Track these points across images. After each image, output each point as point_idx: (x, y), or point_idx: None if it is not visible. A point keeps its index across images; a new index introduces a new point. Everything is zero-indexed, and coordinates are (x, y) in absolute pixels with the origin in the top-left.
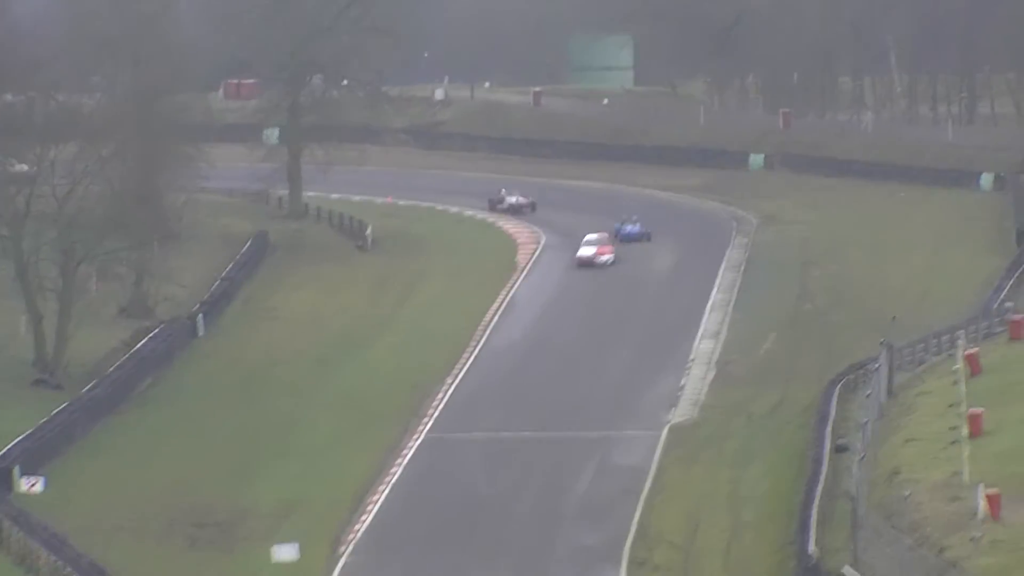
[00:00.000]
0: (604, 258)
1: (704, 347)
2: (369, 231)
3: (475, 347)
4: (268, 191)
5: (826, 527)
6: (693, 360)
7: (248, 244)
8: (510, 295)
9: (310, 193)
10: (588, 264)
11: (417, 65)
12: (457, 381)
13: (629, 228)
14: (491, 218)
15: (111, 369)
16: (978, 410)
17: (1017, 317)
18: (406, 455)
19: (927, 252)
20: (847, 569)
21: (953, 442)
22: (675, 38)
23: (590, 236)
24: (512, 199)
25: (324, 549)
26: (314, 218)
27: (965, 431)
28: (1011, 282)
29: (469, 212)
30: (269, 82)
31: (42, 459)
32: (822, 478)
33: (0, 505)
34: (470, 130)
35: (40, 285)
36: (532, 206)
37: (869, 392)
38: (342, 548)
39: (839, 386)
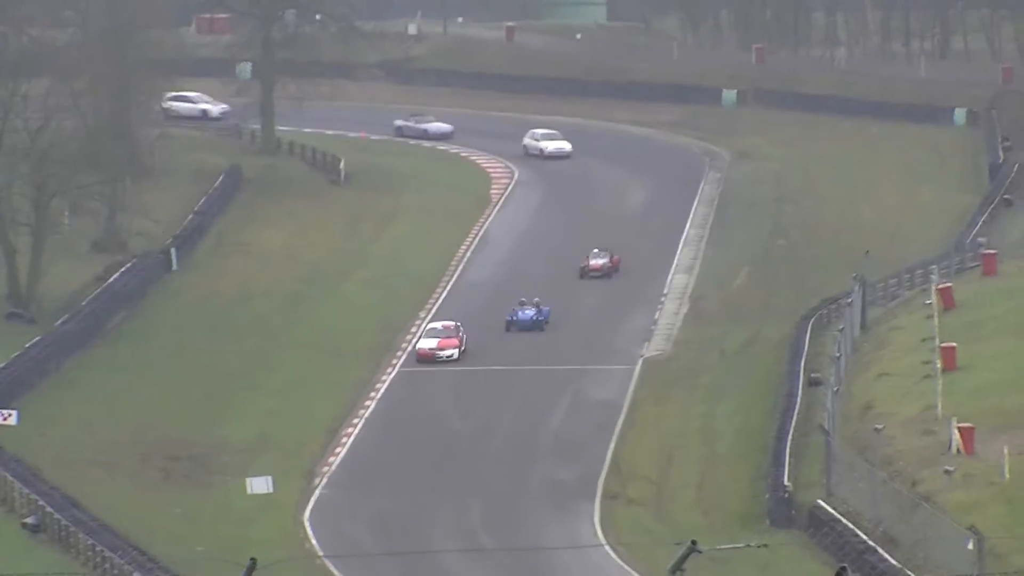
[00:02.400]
0: (447, 352)
1: (677, 282)
2: (342, 166)
3: (448, 282)
4: (241, 126)
5: (799, 461)
6: (666, 295)
7: (221, 179)
8: (483, 230)
9: (283, 128)
10: (428, 359)
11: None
12: (430, 316)
13: (523, 314)
14: (464, 152)
15: (84, 303)
16: (951, 344)
17: (990, 252)
18: (379, 389)
19: (900, 188)
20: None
21: (926, 376)
22: None
23: (434, 325)
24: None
25: (298, 482)
26: (287, 153)
27: (938, 365)
28: (984, 217)
29: (442, 146)
30: (242, 17)
31: (15, 393)
32: (796, 412)
33: None
34: (443, 65)
35: (13, 219)
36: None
37: (842, 327)
38: (316, 481)
39: (812, 321)
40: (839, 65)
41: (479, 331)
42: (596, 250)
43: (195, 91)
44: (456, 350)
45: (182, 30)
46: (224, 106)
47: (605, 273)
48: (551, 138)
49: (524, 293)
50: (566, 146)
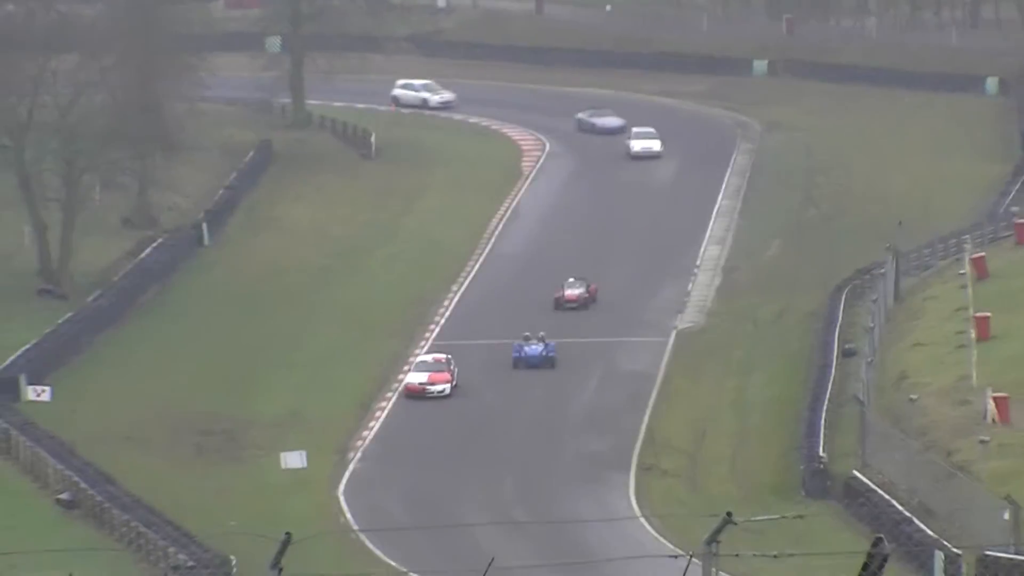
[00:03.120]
0: (438, 388)
1: (710, 253)
2: (373, 139)
3: (480, 255)
4: (271, 100)
5: (834, 432)
6: (699, 266)
7: (251, 153)
8: (515, 203)
9: (313, 102)
10: (417, 394)
11: None
12: (462, 290)
13: (531, 350)
14: (495, 125)
15: (116, 279)
16: (985, 314)
17: (1023, 221)
18: (412, 363)
19: (932, 157)
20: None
21: (960, 346)
22: None
23: (424, 357)
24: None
25: (332, 457)
26: (317, 127)
27: (972, 335)
28: (1017, 186)
29: (473, 119)
30: None
31: (48, 369)
32: (830, 383)
33: (7, 414)
34: (472, 38)
35: (43, 195)
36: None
37: (876, 297)
38: (350, 456)
39: (845, 291)
40: (869, 35)
41: (512, 306)
42: (571, 279)
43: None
44: (447, 385)
45: (211, 4)
46: (447, 95)
47: (582, 304)
48: (641, 136)
49: (555, 266)
50: (655, 145)
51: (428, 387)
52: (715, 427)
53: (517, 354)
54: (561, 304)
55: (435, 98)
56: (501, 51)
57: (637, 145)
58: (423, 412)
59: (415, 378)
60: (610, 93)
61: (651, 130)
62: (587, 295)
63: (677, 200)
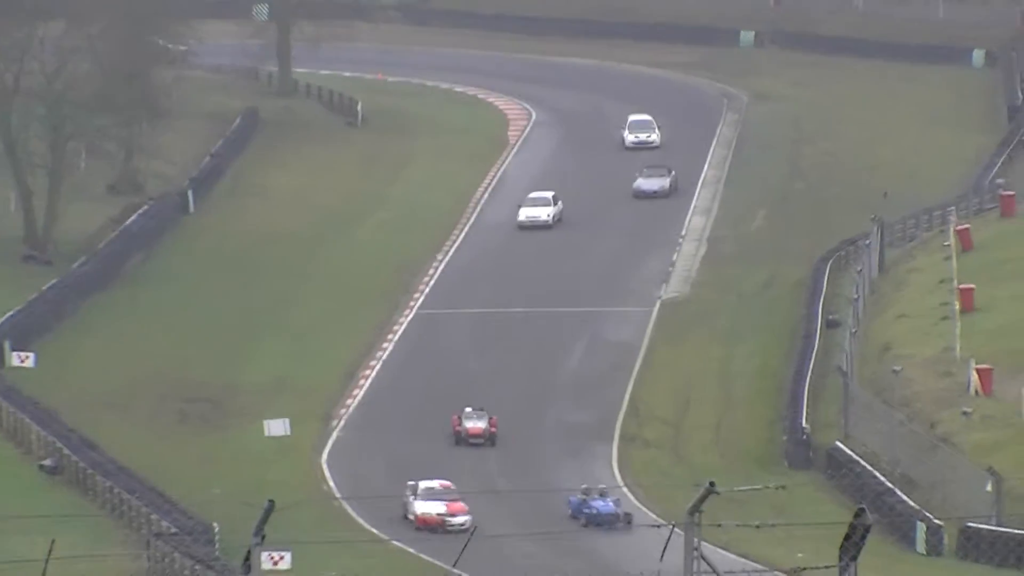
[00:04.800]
0: (460, 519)
1: (695, 223)
2: (359, 107)
3: (465, 224)
4: (257, 68)
5: (817, 402)
6: (684, 236)
7: (237, 121)
8: (500, 172)
9: (300, 70)
10: (435, 527)
11: None
12: (447, 258)
13: (600, 506)
14: (481, 94)
15: (101, 245)
16: (969, 286)
17: (1008, 193)
18: (396, 332)
19: (918, 129)
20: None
21: (944, 318)
22: None
23: (428, 484)
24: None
25: (315, 425)
26: (304, 95)
27: (956, 307)
28: (1002, 159)
29: (459, 88)
30: None
31: (32, 335)
32: (813, 354)
33: None
34: (460, 6)
35: (29, 161)
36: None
37: (860, 268)
38: (333, 423)
39: (830, 262)
40: (856, 6)
41: (496, 276)
42: (469, 409)
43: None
44: (468, 517)
45: None
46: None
47: (487, 439)
48: (638, 127)
49: (541, 234)
50: (652, 136)
51: (449, 519)
52: (699, 397)
53: (580, 510)
54: (463, 440)
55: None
56: (488, 20)
57: (632, 137)
58: (407, 381)
59: (429, 508)
60: (596, 63)
61: (648, 119)
62: (490, 428)
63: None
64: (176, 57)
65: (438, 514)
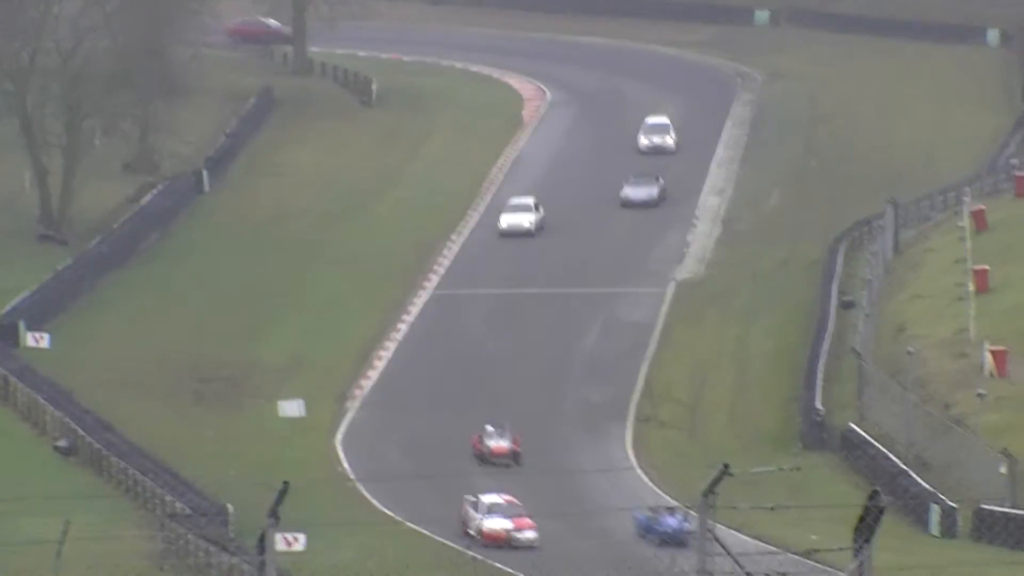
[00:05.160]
0: (528, 535)
1: (710, 203)
2: (375, 87)
3: (481, 203)
4: (273, 47)
5: (832, 383)
6: (699, 217)
7: (253, 100)
8: (516, 151)
9: (315, 49)
10: (501, 543)
11: None
12: (464, 238)
13: (670, 522)
14: (497, 73)
15: (116, 225)
16: (984, 267)
17: (1023, 174)
18: (412, 312)
19: (933, 109)
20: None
21: (959, 298)
22: None
23: (492, 498)
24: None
25: (331, 405)
26: (319, 74)
27: (971, 287)
28: (1017, 138)
29: (475, 68)
30: None
31: (48, 314)
32: (828, 334)
33: (6, 360)
34: None
35: (45, 140)
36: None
37: (875, 249)
38: (348, 403)
39: (845, 243)
40: None
41: (511, 256)
42: (490, 427)
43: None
44: (535, 533)
45: None
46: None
47: (511, 458)
48: (653, 130)
49: (557, 214)
50: (668, 140)
51: (516, 535)
52: (714, 378)
53: (651, 528)
54: (487, 460)
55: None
56: None
57: (645, 140)
58: (423, 361)
59: (495, 524)
60: (612, 42)
61: (664, 122)
62: (514, 447)
63: (677, 150)
64: (193, 36)
65: (505, 530)
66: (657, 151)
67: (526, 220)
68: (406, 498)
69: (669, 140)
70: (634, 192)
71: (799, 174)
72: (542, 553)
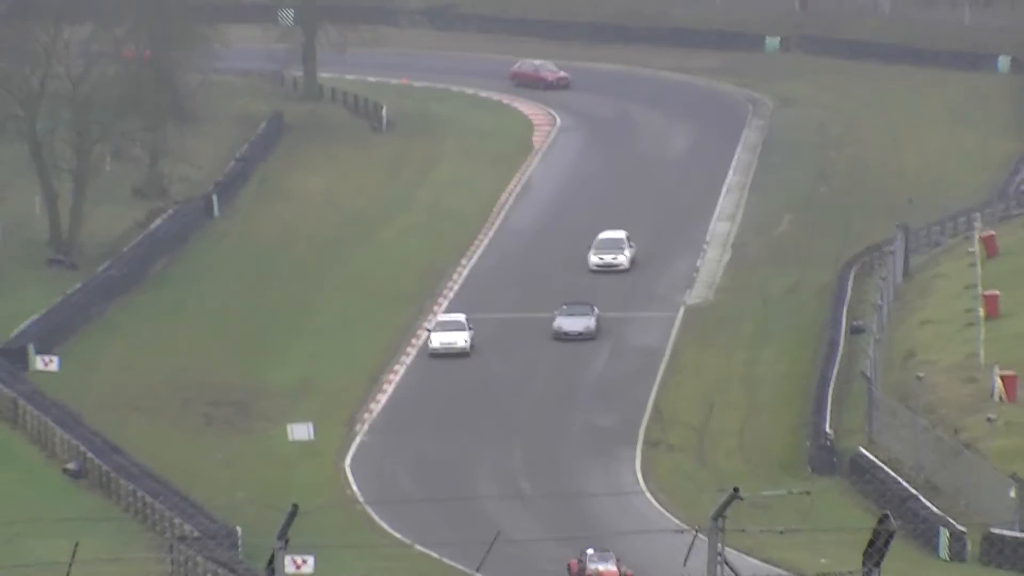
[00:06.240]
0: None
1: (720, 229)
2: (384, 112)
3: (491, 228)
4: (283, 72)
5: (841, 408)
6: (709, 242)
7: (263, 125)
8: (526, 176)
9: (325, 74)
10: None
11: None
12: (472, 262)
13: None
14: (506, 99)
15: (126, 249)
16: (994, 292)
17: None
18: (421, 336)
19: (944, 135)
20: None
21: (969, 324)
22: None
23: (600, 560)
24: None
25: (340, 429)
26: (329, 99)
27: (981, 313)
28: None
29: (484, 93)
30: None
31: (57, 338)
32: (838, 359)
33: (15, 383)
34: (485, 11)
35: (55, 165)
36: None
37: (885, 274)
38: (357, 427)
39: (855, 268)
40: (882, 11)
41: (522, 277)
42: (591, 551)
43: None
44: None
45: None
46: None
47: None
48: (604, 247)
49: (566, 239)
50: (620, 257)
51: None
52: (723, 402)
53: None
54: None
55: (594, 259)
56: (514, 24)
57: (596, 258)
58: (432, 384)
59: (598, 565)
60: (622, 68)
61: (619, 237)
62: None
63: (687, 176)
64: (202, 61)
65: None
66: (608, 270)
67: (460, 339)
68: (415, 521)
69: (622, 258)
70: (568, 323)
71: (809, 199)
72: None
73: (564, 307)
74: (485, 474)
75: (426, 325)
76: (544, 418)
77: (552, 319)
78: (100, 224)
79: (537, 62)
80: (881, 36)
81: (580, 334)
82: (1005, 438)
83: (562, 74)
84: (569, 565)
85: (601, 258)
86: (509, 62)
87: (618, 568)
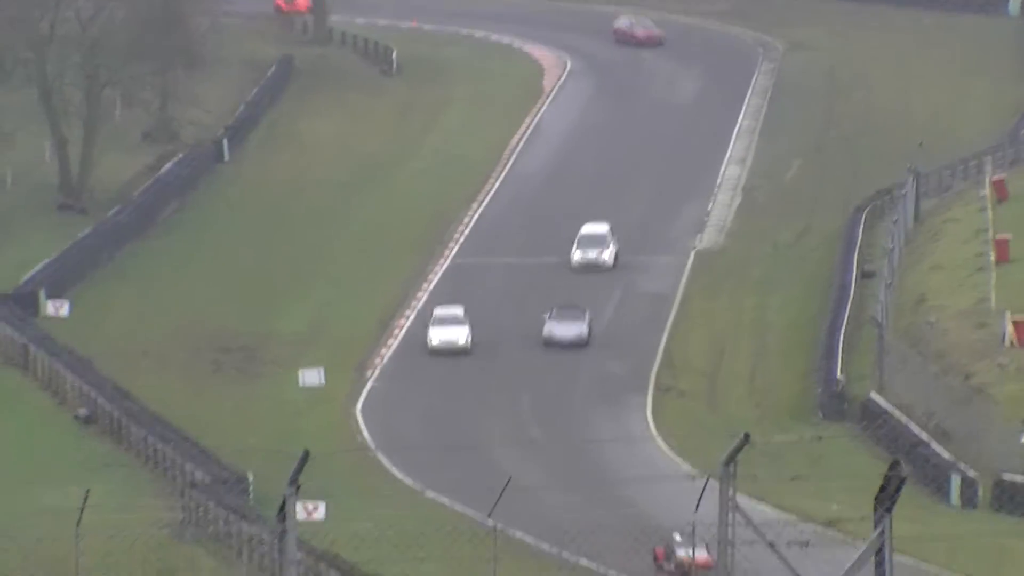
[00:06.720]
0: None
1: (730, 173)
2: (395, 56)
3: (500, 173)
4: (292, 16)
5: (852, 354)
6: (719, 186)
7: (272, 69)
8: (536, 121)
9: (335, 17)
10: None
11: None
12: (482, 208)
13: None
14: (517, 43)
15: (136, 194)
16: (1005, 236)
17: None
18: (431, 281)
19: (954, 79)
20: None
21: (979, 269)
22: None
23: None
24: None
25: (349, 375)
26: (339, 43)
27: (992, 258)
28: None
29: (495, 37)
30: None
31: (67, 284)
32: (848, 304)
33: (26, 328)
34: None
35: (64, 110)
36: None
37: (895, 218)
38: (368, 373)
39: (865, 212)
40: None
41: (531, 225)
42: (677, 536)
43: None
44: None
45: None
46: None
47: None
48: (587, 243)
49: (576, 184)
50: (605, 255)
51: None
52: (733, 348)
53: None
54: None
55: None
56: None
57: (579, 254)
58: None
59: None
60: (632, 10)
61: (602, 232)
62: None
63: (697, 120)
64: (212, 4)
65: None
66: (591, 268)
67: (605, 253)
68: (425, 468)
69: (606, 256)
70: (560, 329)
71: (819, 144)
72: (562, 524)
73: (554, 310)
74: (495, 421)
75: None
76: (554, 364)
77: (541, 323)
78: (110, 169)
79: (630, 20)
80: None
81: (572, 341)
82: (1016, 383)
83: (655, 31)
84: (655, 552)
85: (584, 255)
86: (519, 6)
87: (709, 555)
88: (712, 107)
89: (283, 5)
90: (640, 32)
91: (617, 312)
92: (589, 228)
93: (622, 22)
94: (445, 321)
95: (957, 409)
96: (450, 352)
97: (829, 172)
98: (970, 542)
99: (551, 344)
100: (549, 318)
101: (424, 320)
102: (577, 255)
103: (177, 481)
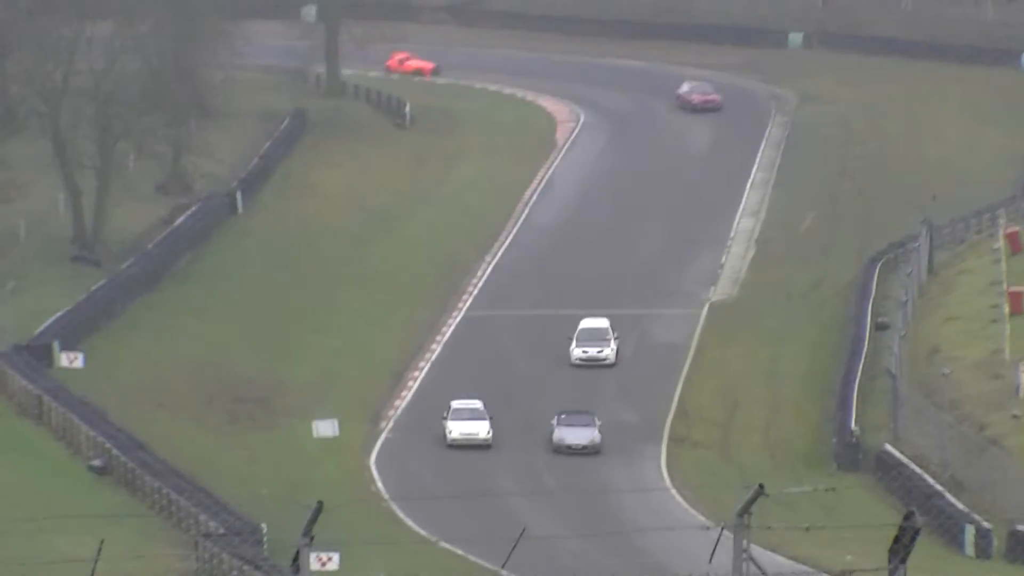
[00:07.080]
0: None
1: (744, 225)
2: (407, 108)
3: (514, 225)
4: (306, 68)
5: (866, 404)
6: (733, 238)
7: (286, 121)
8: (549, 173)
9: (347, 70)
10: None
11: None
12: (496, 259)
13: None
14: (530, 96)
15: (150, 246)
16: (1019, 288)
17: None
18: (445, 333)
19: (967, 131)
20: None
21: (993, 320)
22: None
23: None
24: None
25: (363, 425)
26: (352, 95)
27: (1006, 309)
28: None
29: (508, 90)
30: None
31: (81, 335)
32: (863, 355)
33: (40, 380)
34: (508, 8)
35: (78, 162)
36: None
37: (909, 270)
38: (382, 424)
39: (879, 264)
40: (905, 7)
41: (544, 277)
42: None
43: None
44: None
45: None
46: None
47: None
48: (586, 339)
49: (590, 235)
50: (605, 351)
51: None
52: (747, 398)
53: None
54: None
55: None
56: (538, 21)
57: (579, 351)
58: (455, 382)
59: None
60: (645, 64)
61: (603, 326)
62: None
63: (711, 172)
64: (225, 57)
65: None
66: (592, 364)
67: (605, 349)
68: (439, 518)
69: (608, 351)
70: (571, 435)
71: (833, 195)
72: (576, 574)
73: (561, 416)
74: (509, 471)
75: (443, 414)
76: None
77: (551, 430)
78: (123, 221)
79: (691, 85)
80: (903, 32)
81: (584, 448)
82: None
83: (712, 96)
84: None
85: (585, 351)
86: (532, 59)
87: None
88: (726, 159)
89: (394, 65)
90: (696, 98)
91: (632, 362)
92: (588, 323)
93: (684, 88)
94: (463, 415)
95: (971, 460)
96: (470, 446)
97: (842, 223)
98: None
99: (561, 451)
100: (557, 424)
101: (440, 395)
102: (577, 352)
103: (191, 531)
